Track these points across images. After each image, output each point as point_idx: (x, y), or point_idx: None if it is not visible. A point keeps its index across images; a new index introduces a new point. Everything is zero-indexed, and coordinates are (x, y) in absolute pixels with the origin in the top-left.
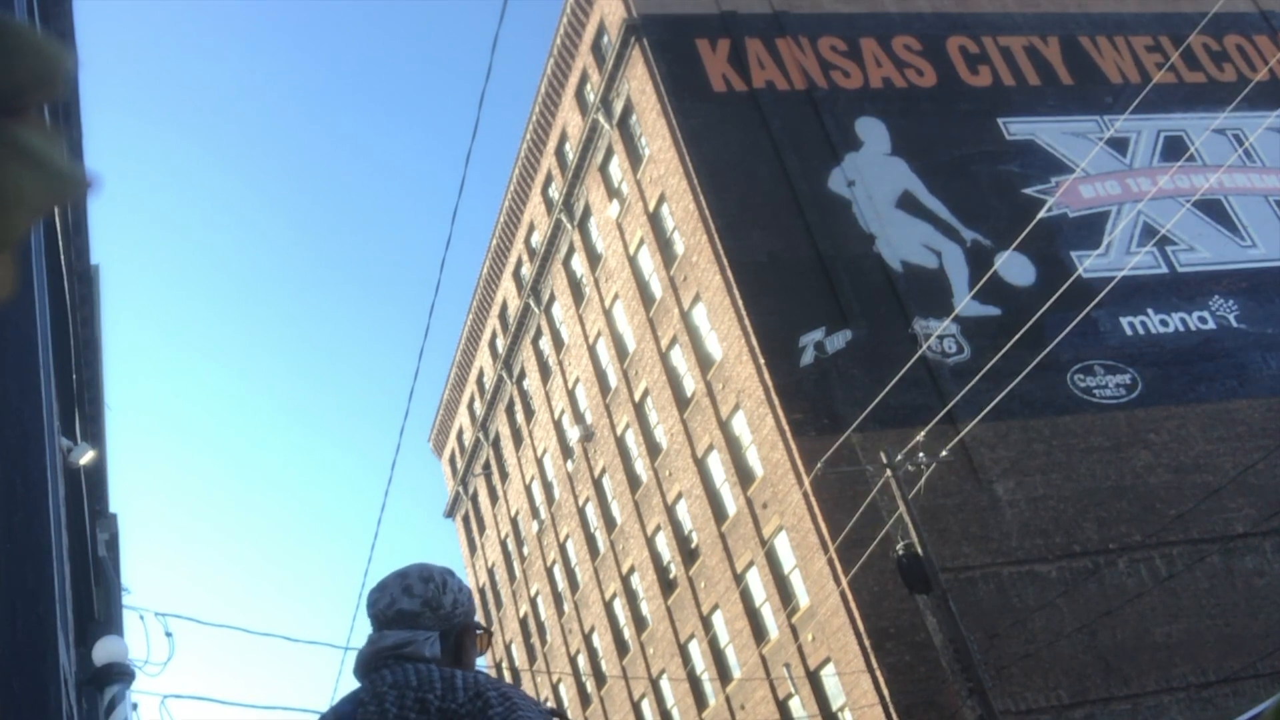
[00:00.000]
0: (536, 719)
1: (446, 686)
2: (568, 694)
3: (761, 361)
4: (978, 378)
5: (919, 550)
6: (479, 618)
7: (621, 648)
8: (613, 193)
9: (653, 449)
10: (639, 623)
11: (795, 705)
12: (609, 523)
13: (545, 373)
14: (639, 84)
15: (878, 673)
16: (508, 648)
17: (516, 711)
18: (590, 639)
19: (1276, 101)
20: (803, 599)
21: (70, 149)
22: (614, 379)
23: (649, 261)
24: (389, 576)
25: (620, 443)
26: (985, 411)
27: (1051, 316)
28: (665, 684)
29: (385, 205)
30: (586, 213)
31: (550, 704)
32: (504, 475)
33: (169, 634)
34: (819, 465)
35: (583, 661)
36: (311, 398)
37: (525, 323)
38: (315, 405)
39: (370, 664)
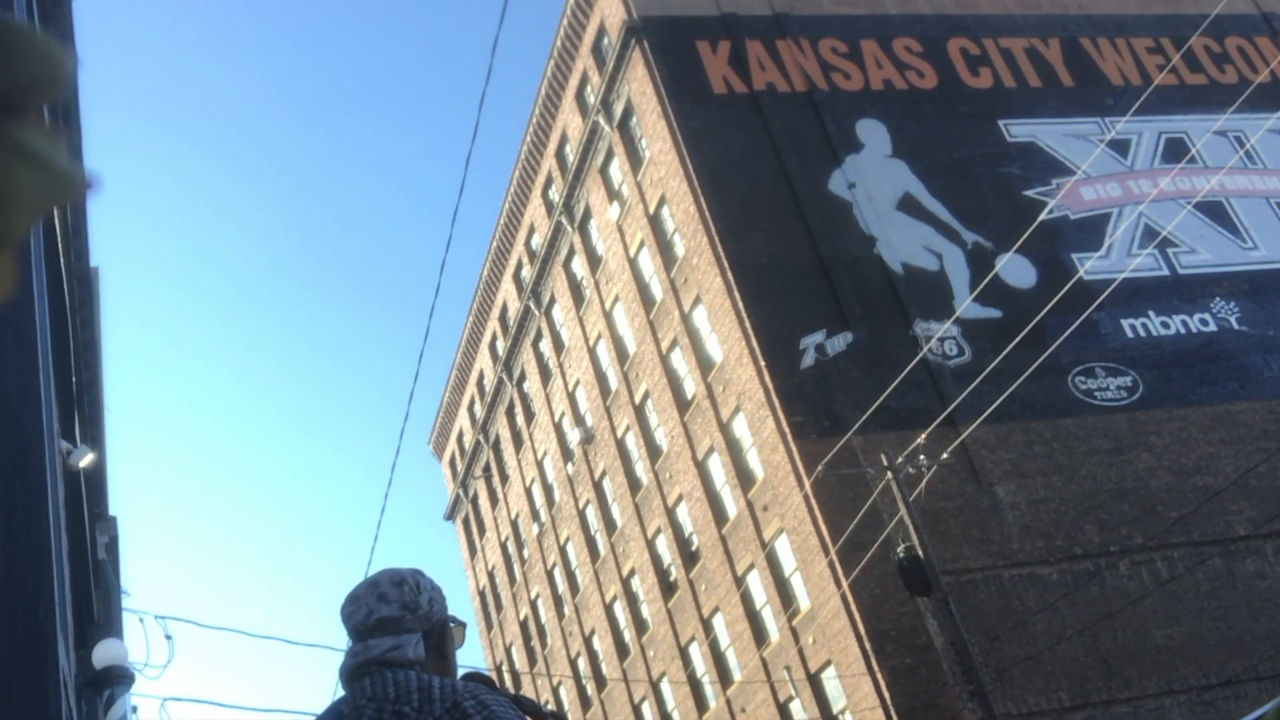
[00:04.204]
0: None
1: (424, 698)
2: (568, 696)
3: (762, 364)
4: (979, 380)
5: (920, 553)
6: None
7: (622, 650)
8: (613, 195)
9: (653, 451)
10: (639, 625)
11: (796, 708)
12: (609, 525)
13: (545, 375)
14: (639, 86)
15: (879, 675)
16: (508, 650)
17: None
18: (591, 641)
19: (1278, 103)
20: (803, 601)
21: (70, 150)
22: (614, 381)
23: (649, 263)
24: (359, 587)
25: (621, 445)
26: (986, 414)
27: (1052, 319)
28: (666, 686)
29: (385, 207)
30: (587, 215)
31: (550, 706)
32: (504, 478)
33: (169, 637)
34: (820, 468)
35: (583, 664)
36: (311, 400)
37: (525, 325)
38: (315, 407)
39: (354, 674)
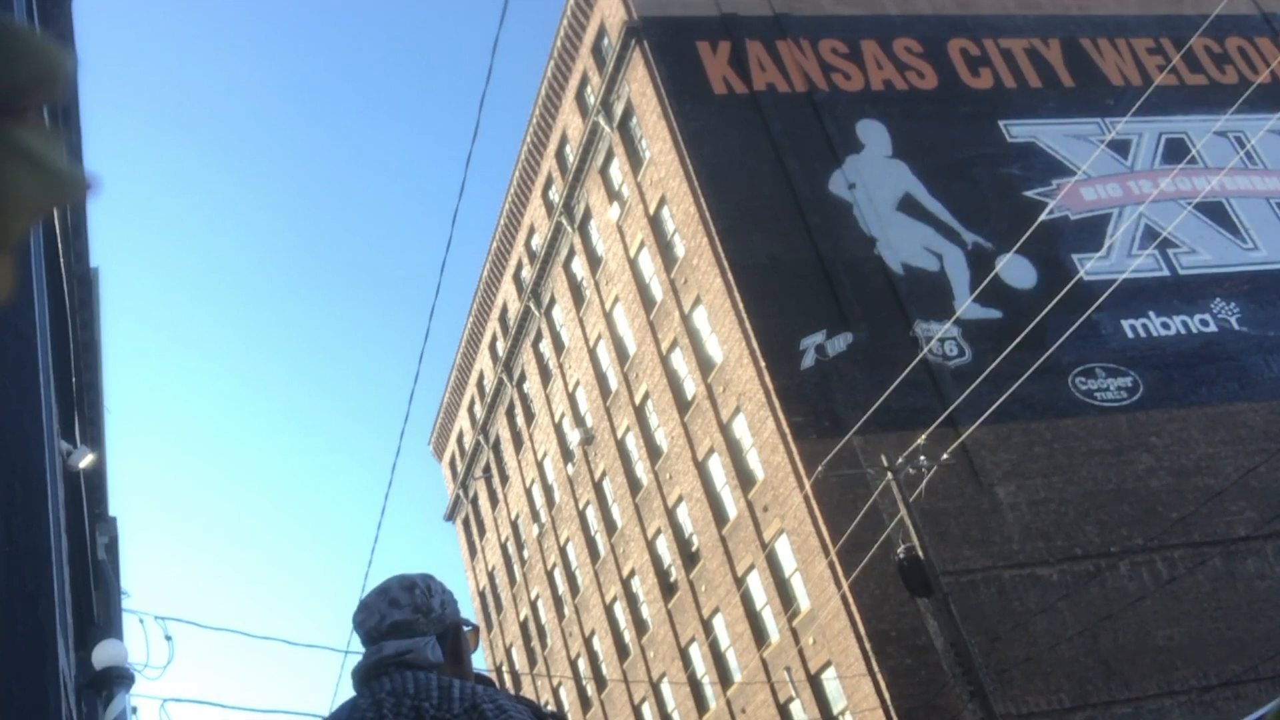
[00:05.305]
0: None
1: (443, 696)
2: (568, 697)
3: (762, 364)
4: (979, 381)
5: (920, 553)
6: (476, 620)
7: (622, 651)
8: (613, 195)
9: (653, 452)
10: (639, 626)
11: (796, 709)
12: (609, 526)
13: (545, 376)
14: (639, 86)
15: (879, 676)
16: (508, 651)
17: None
18: (591, 642)
19: (1278, 104)
20: (804, 602)
21: (69, 151)
22: (614, 382)
23: (649, 264)
24: (370, 595)
25: (621, 446)
26: (986, 414)
27: (1053, 319)
28: (666, 687)
29: (385, 208)
30: (587, 215)
31: (551, 707)
32: (504, 478)
33: (169, 637)
34: (820, 468)
35: (583, 665)
36: (311, 401)
37: (525, 326)
38: (315, 408)
39: (370, 673)
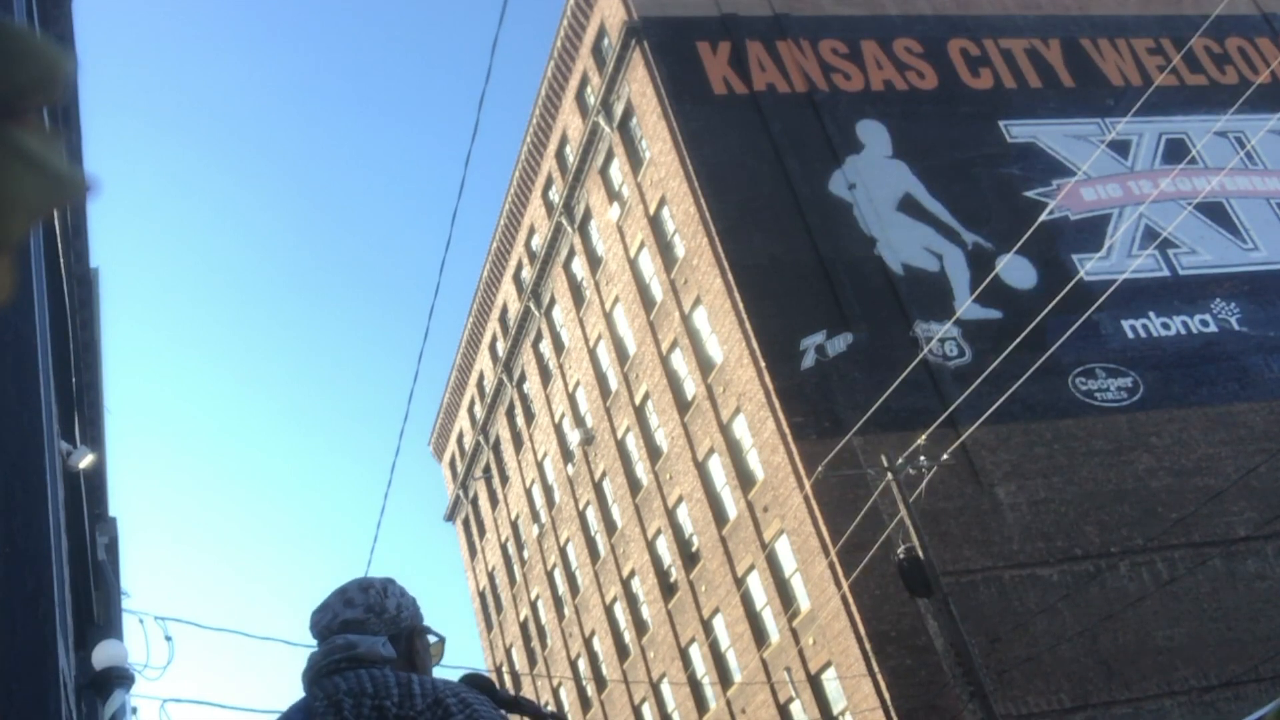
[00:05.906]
0: None
1: (404, 693)
2: (568, 698)
3: (762, 365)
4: (979, 381)
5: (920, 554)
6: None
7: (622, 651)
8: (613, 195)
9: (653, 452)
10: (639, 626)
11: (796, 709)
12: (609, 526)
13: (545, 376)
14: (639, 86)
15: (879, 677)
16: (508, 651)
17: (477, 718)
18: (591, 643)
19: (1278, 104)
20: (804, 603)
21: (69, 152)
22: (614, 382)
23: (649, 264)
24: (329, 595)
25: (621, 446)
26: (986, 415)
27: (1053, 320)
28: (666, 688)
29: (385, 208)
30: (587, 215)
31: (551, 708)
32: (504, 479)
33: (169, 638)
34: (820, 469)
35: (583, 665)
36: (311, 401)
37: (525, 326)
38: (315, 409)
39: (321, 671)
